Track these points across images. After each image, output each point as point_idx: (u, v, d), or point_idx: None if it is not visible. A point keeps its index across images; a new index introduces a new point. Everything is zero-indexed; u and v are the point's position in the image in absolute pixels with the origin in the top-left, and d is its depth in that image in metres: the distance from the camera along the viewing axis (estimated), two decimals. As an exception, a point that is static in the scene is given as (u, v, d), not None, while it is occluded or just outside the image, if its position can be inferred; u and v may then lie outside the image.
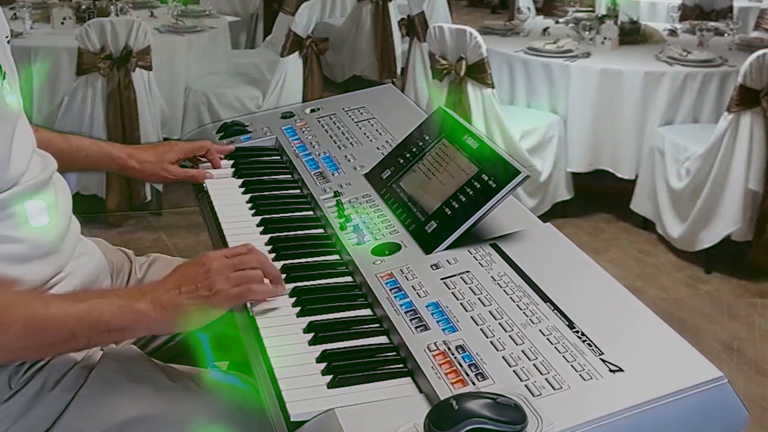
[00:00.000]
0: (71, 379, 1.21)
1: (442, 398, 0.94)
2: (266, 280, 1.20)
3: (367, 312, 1.18)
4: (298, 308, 1.19)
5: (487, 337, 1.04)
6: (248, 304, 1.19)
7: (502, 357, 1.00)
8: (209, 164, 1.68)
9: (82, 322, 1.10)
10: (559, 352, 0.99)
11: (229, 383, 1.29)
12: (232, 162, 1.69)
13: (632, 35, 4.34)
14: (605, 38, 4.20)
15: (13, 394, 1.18)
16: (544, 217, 1.39)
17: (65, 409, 1.19)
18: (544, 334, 1.03)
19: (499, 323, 1.06)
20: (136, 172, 1.61)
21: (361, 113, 1.79)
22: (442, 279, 1.18)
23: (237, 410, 1.24)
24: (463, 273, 1.18)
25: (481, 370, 0.98)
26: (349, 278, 1.27)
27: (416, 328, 1.08)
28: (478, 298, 1.12)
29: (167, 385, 1.25)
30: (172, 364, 1.33)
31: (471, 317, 1.08)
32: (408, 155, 1.48)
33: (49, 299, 1.13)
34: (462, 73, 3.68)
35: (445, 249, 1.25)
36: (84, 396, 1.20)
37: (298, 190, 1.58)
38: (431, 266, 1.21)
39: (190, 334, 1.49)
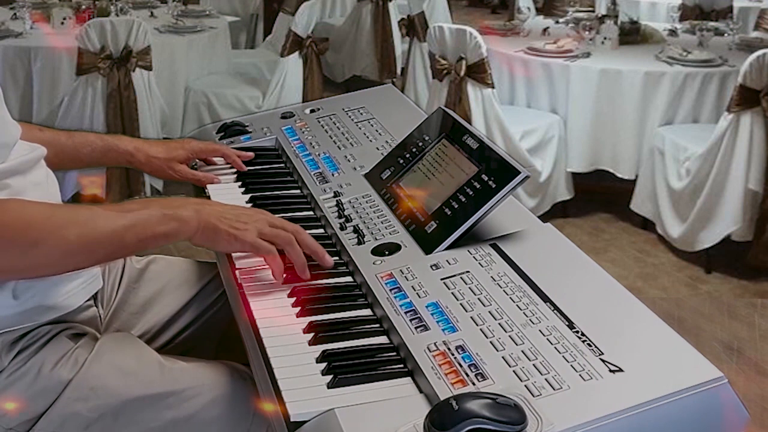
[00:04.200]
0: (68, 364, 1.22)
1: (442, 398, 0.94)
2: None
3: (367, 312, 1.18)
4: (298, 308, 1.19)
5: (487, 337, 1.04)
6: (250, 304, 1.19)
7: (502, 357, 1.00)
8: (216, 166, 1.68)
9: (130, 231, 1.18)
10: (559, 352, 0.99)
11: (225, 371, 1.29)
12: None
13: (632, 35, 4.34)
14: (605, 38, 4.20)
15: (9, 375, 1.19)
16: (544, 217, 1.39)
17: (61, 393, 1.20)
18: (544, 335, 1.03)
19: (499, 323, 1.06)
20: (143, 166, 1.61)
21: (361, 113, 1.79)
22: (442, 279, 1.18)
23: (232, 398, 1.25)
24: (463, 273, 1.18)
25: (481, 371, 0.98)
26: (349, 278, 1.27)
27: (416, 328, 1.08)
28: (478, 299, 1.12)
29: (163, 371, 1.26)
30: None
31: (471, 317, 1.08)
32: (408, 155, 1.48)
33: (99, 212, 1.19)
34: (462, 73, 3.68)
35: (445, 249, 1.25)
36: (81, 379, 1.21)
37: (298, 190, 1.58)
38: (431, 266, 1.21)
39: (190, 335, 1.50)
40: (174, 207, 1.22)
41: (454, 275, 1.18)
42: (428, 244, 1.27)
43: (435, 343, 1.04)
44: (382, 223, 1.36)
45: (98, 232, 1.16)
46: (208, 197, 1.57)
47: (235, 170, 1.65)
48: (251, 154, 1.68)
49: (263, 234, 1.24)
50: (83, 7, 4.34)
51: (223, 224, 1.23)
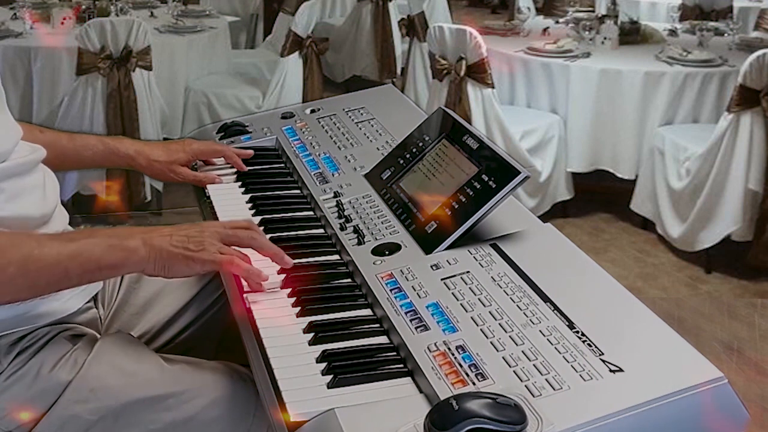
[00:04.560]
0: (67, 365, 1.22)
1: (442, 398, 0.94)
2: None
3: (367, 312, 1.18)
4: (298, 308, 1.19)
5: (487, 337, 1.04)
6: (249, 304, 1.20)
7: (502, 357, 1.00)
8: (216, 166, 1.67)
9: (74, 261, 1.13)
10: (559, 353, 0.99)
11: (225, 372, 1.29)
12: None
13: (632, 35, 4.34)
14: (605, 38, 4.20)
15: (9, 377, 1.19)
16: (544, 217, 1.39)
17: (61, 394, 1.20)
18: (544, 335, 1.03)
19: (499, 323, 1.06)
20: (144, 169, 1.61)
21: (361, 113, 1.79)
22: (442, 279, 1.18)
23: (232, 399, 1.25)
24: (463, 273, 1.18)
25: (481, 371, 0.98)
26: (349, 278, 1.27)
27: (416, 328, 1.08)
28: (478, 299, 1.12)
29: (163, 372, 1.25)
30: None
31: (471, 317, 1.08)
32: (408, 155, 1.48)
33: (42, 240, 1.15)
34: (462, 73, 3.68)
35: (445, 249, 1.25)
36: (80, 381, 1.21)
37: (298, 191, 1.58)
38: (431, 266, 1.21)
39: (190, 335, 1.50)
40: (121, 237, 1.17)
41: (455, 275, 1.18)
42: (428, 244, 1.27)
43: (435, 343, 1.04)
44: (382, 223, 1.36)
45: (39, 262, 1.11)
46: (208, 198, 1.57)
47: (235, 170, 1.66)
48: (251, 152, 1.68)
49: (221, 249, 1.20)
50: (83, 7, 4.33)
51: (176, 248, 1.17)
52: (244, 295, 1.22)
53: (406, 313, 1.12)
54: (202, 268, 1.20)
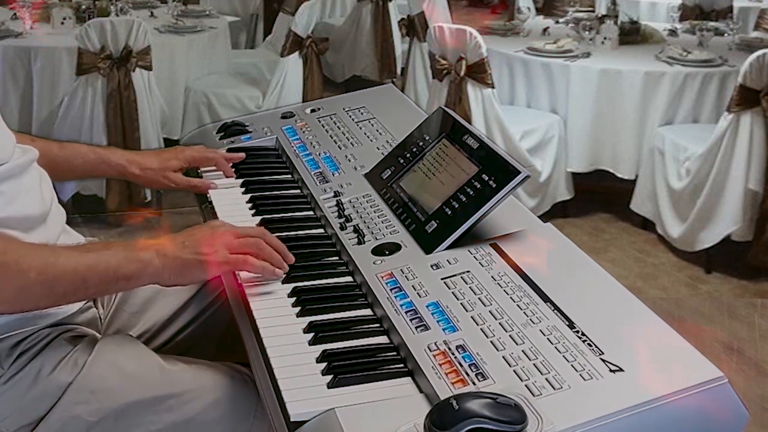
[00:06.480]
0: (67, 366, 1.22)
1: (442, 398, 0.94)
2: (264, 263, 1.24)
3: (367, 312, 1.19)
4: (298, 308, 1.19)
5: (487, 336, 1.04)
6: (249, 303, 1.19)
7: (503, 357, 1.00)
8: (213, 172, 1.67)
9: (92, 271, 1.15)
10: (560, 352, 0.99)
11: (225, 373, 1.29)
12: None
13: (632, 35, 4.34)
14: (605, 38, 4.20)
15: (9, 379, 1.19)
16: (544, 217, 1.39)
17: (61, 396, 1.20)
18: (544, 334, 1.03)
19: (500, 323, 1.06)
20: (137, 178, 1.61)
21: (362, 113, 1.79)
22: (442, 279, 1.18)
23: (232, 400, 1.25)
24: (464, 273, 1.18)
25: (481, 370, 0.98)
26: (349, 278, 1.27)
27: (416, 328, 1.08)
28: (479, 298, 1.12)
29: (164, 373, 1.26)
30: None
31: (471, 317, 1.08)
32: (408, 155, 1.48)
33: (59, 250, 1.17)
34: (462, 73, 3.68)
35: (446, 249, 1.25)
36: (80, 383, 1.21)
37: (298, 190, 1.58)
38: (431, 266, 1.21)
39: (190, 334, 1.50)
40: (137, 249, 1.19)
41: (455, 275, 1.18)
42: (428, 244, 1.27)
43: (435, 343, 1.04)
44: (382, 222, 1.36)
45: (58, 270, 1.12)
46: (210, 202, 1.57)
47: (233, 169, 1.66)
48: (242, 155, 1.68)
49: (232, 248, 1.21)
50: (83, 6, 4.33)
51: (188, 254, 1.19)
52: (245, 294, 1.22)
53: (406, 313, 1.12)
54: (218, 270, 1.21)
